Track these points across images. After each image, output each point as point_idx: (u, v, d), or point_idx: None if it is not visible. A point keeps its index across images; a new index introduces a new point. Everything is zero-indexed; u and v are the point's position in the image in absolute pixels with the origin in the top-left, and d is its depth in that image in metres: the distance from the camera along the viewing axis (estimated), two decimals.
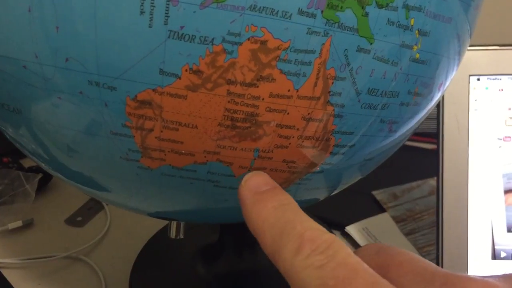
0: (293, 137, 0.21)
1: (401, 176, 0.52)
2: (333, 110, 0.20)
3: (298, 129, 0.20)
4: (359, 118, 0.21)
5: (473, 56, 0.32)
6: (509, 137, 0.32)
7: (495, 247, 0.33)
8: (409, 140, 0.60)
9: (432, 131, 0.61)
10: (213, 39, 0.18)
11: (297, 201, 0.26)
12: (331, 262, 0.16)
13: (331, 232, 0.44)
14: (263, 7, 0.18)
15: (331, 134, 0.21)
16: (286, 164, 0.22)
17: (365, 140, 0.23)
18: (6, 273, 0.42)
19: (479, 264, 0.33)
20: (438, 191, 0.33)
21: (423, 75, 0.22)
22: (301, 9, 0.18)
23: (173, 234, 0.32)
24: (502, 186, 0.33)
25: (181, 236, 0.32)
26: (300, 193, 0.24)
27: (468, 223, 0.33)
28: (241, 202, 0.20)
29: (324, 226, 0.47)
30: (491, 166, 0.33)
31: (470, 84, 0.32)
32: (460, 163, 0.32)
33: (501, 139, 0.33)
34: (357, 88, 0.20)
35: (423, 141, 0.60)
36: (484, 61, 0.32)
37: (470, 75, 0.32)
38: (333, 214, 0.47)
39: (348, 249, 0.17)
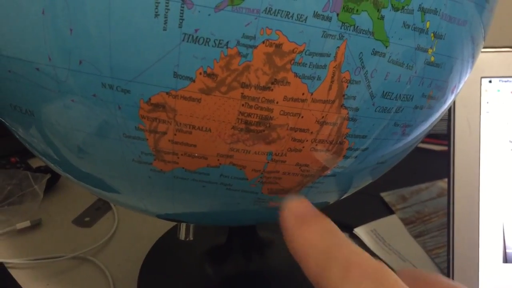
0: (306, 140, 0.20)
1: (409, 178, 0.52)
2: (347, 113, 0.20)
3: (312, 133, 0.20)
4: (373, 122, 0.21)
5: (485, 58, 0.31)
6: None
7: (507, 251, 0.33)
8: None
9: (441, 133, 0.60)
10: (227, 42, 0.18)
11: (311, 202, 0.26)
12: None
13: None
14: (278, 10, 0.17)
15: (344, 138, 0.21)
16: (299, 168, 0.21)
17: (378, 144, 0.22)
18: (15, 273, 0.42)
19: (490, 267, 0.33)
20: (449, 194, 0.33)
21: (437, 78, 0.22)
22: (317, 12, 0.18)
23: (182, 235, 0.32)
24: None
25: (191, 238, 0.32)
26: (311, 196, 0.24)
27: (479, 226, 0.32)
28: (284, 226, 0.20)
29: None
30: (503, 168, 0.32)
31: (481, 86, 0.32)
32: (472, 166, 0.32)
33: None
34: (371, 91, 0.20)
35: (431, 143, 0.59)
36: (496, 63, 0.32)
37: (482, 77, 0.32)
38: (341, 215, 0.46)
39: (395, 275, 0.17)
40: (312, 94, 0.19)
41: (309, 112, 0.20)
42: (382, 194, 0.50)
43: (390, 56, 0.20)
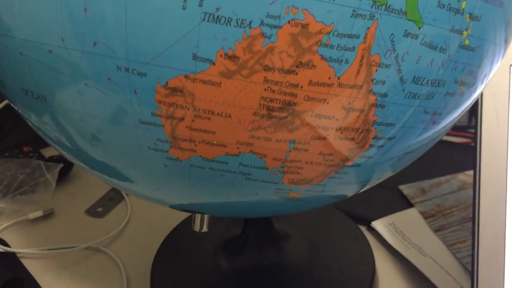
0: (331, 128, 0.19)
1: (429, 170, 0.50)
2: (376, 99, 0.19)
3: (337, 120, 0.19)
4: (402, 109, 0.20)
5: None
6: None
7: None
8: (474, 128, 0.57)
9: (461, 124, 0.59)
10: (250, 22, 0.17)
11: (325, 196, 0.24)
12: None
13: (357, 226, 0.42)
14: None
15: (371, 125, 0.20)
16: (323, 157, 0.20)
17: (406, 132, 0.21)
18: (27, 263, 0.42)
19: None
20: (475, 187, 0.31)
21: (471, 63, 0.21)
22: None
23: (197, 227, 0.31)
24: None
25: (205, 229, 0.31)
26: (332, 187, 0.23)
27: (505, 220, 0.31)
28: None
29: (349, 221, 0.45)
30: None
31: (511, 75, 0.30)
32: (499, 158, 0.31)
33: None
34: (402, 76, 0.19)
35: (452, 135, 0.58)
36: None
37: (511, 65, 0.30)
38: (358, 208, 0.45)
39: None
40: (339, 78, 0.18)
41: (335, 98, 0.18)
42: (401, 187, 0.48)
43: (423, 38, 0.18)
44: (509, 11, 0.21)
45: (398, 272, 0.40)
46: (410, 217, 0.45)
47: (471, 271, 0.32)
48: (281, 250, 0.39)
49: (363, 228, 0.44)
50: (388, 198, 0.47)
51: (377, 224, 0.43)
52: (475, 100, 0.25)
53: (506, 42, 0.23)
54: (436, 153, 0.53)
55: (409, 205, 0.46)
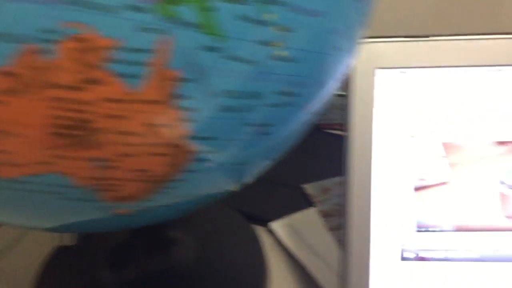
0: (139, 144, 0.19)
1: (334, 169, 0.51)
2: (183, 114, 0.18)
3: (143, 136, 0.18)
4: (217, 123, 0.19)
5: (378, 48, 0.30)
6: (418, 133, 0.31)
7: (403, 248, 0.32)
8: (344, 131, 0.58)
9: None
10: (28, 37, 0.16)
11: (169, 207, 0.23)
12: None
13: (252, 228, 0.42)
14: (86, 0, 0.15)
15: (185, 140, 0.19)
16: (139, 173, 0.20)
17: (231, 145, 0.21)
18: None
19: (386, 265, 0.32)
20: (344, 191, 0.32)
21: (292, 73, 0.20)
22: (133, 3, 0.16)
23: (63, 241, 0.30)
24: (412, 184, 0.32)
25: (73, 242, 0.30)
26: (165, 201, 0.22)
27: (370, 223, 0.31)
28: None
29: (246, 223, 0.45)
30: (400, 163, 0.31)
31: (375, 78, 0.30)
32: (365, 161, 0.31)
33: (409, 135, 0.31)
34: (210, 90, 0.18)
35: None
36: (390, 54, 0.30)
37: (375, 68, 0.30)
38: (256, 208, 0.45)
39: None
40: (135, 94, 0.17)
41: (136, 114, 0.18)
42: (304, 186, 0.49)
43: (228, 52, 0.18)
44: (335, 20, 0.21)
45: (292, 274, 0.40)
46: (309, 217, 0.45)
47: (341, 273, 0.32)
48: (171, 256, 0.38)
49: (262, 229, 0.44)
50: (289, 197, 0.47)
51: (275, 225, 0.43)
52: (321, 105, 0.25)
53: (342, 49, 0.23)
54: (341, 150, 0.53)
55: (311, 204, 0.46)
